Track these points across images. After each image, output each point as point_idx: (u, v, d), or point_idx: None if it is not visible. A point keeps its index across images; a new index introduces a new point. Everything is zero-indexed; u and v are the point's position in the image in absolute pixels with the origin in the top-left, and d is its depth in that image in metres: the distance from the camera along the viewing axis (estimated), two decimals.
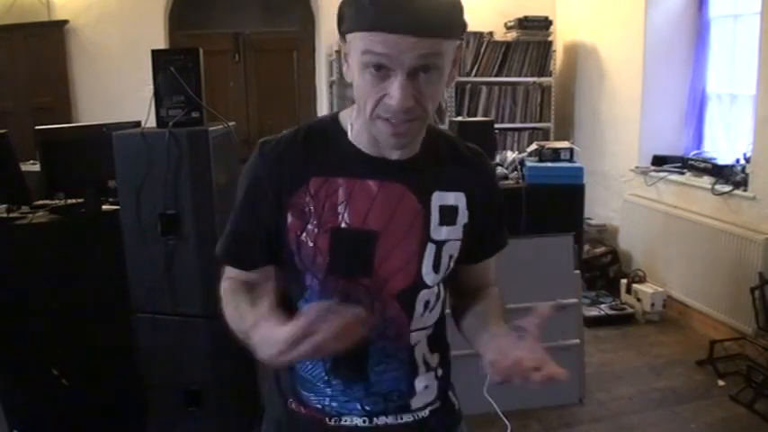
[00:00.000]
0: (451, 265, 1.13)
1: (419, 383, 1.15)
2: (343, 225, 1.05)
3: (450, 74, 1.00)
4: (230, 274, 1.16)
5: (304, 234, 1.06)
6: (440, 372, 1.19)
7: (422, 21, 0.90)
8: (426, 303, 1.12)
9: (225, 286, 1.14)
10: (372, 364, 1.11)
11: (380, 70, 0.93)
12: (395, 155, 1.05)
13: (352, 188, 1.05)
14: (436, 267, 1.09)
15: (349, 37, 0.96)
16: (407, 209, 1.07)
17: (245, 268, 1.14)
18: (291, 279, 1.12)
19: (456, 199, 1.10)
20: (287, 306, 1.15)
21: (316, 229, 1.05)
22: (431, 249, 1.08)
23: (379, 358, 1.10)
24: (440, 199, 1.09)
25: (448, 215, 1.09)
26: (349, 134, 1.07)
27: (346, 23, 0.96)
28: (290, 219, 1.06)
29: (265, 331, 0.90)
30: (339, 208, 1.05)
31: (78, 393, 2.55)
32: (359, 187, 1.05)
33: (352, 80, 0.99)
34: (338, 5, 0.97)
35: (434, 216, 1.08)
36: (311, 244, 1.06)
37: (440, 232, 1.09)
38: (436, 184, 1.08)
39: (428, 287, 1.10)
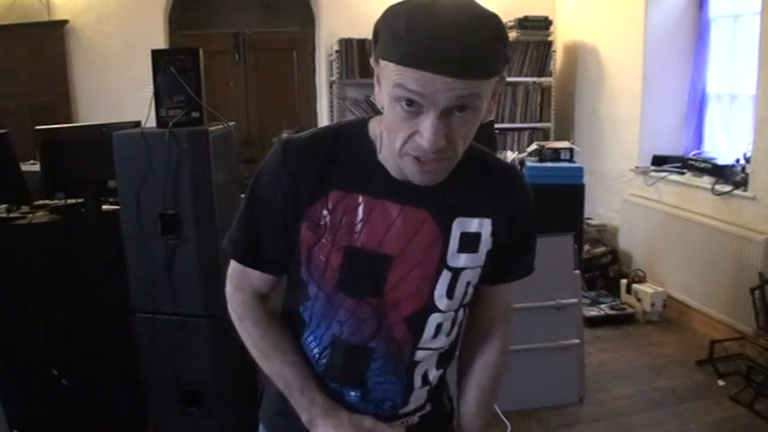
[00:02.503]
0: (470, 291, 1.08)
1: (414, 397, 1.13)
2: (358, 245, 1.01)
3: (488, 108, 0.93)
4: (236, 276, 1.13)
5: (317, 247, 1.03)
6: (435, 383, 1.16)
7: (461, 61, 0.83)
8: (438, 326, 1.08)
9: (238, 300, 1.12)
10: (371, 376, 1.09)
11: (412, 106, 0.87)
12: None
13: (371, 207, 1.01)
14: (450, 294, 1.05)
15: (382, 63, 0.89)
16: (427, 235, 1.02)
17: (261, 270, 1.10)
18: (294, 286, 1.10)
19: (480, 225, 1.05)
20: (284, 310, 1.15)
21: (330, 245, 1.02)
22: (446, 276, 1.04)
23: (378, 372, 1.09)
24: (462, 225, 1.03)
25: (469, 242, 1.04)
26: (378, 152, 1.02)
27: (380, 48, 0.89)
28: (303, 229, 1.03)
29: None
30: (356, 227, 1.01)
31: (78, 393, 2.55)
32: (379, 208, 1.01)
33: (381, 106, 0.93)
34: (375, 22, 0.92)
35: (453, 243, 1.03)
36: (323, 258, 1.03)
37: (458, 260, 1.04)
38: (459, 210, 1.03)
39: (440, 311, 1.06)
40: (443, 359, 1.13)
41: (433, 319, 1.07)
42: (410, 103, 0.87)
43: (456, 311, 1.09)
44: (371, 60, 0.94)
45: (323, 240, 1.02)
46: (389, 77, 0.87)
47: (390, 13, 0.88)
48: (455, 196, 1.01)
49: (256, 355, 1.11)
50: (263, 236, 1.07)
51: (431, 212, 1.01)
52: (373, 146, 1.02)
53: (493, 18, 0.86)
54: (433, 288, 1.04)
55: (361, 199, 1.01)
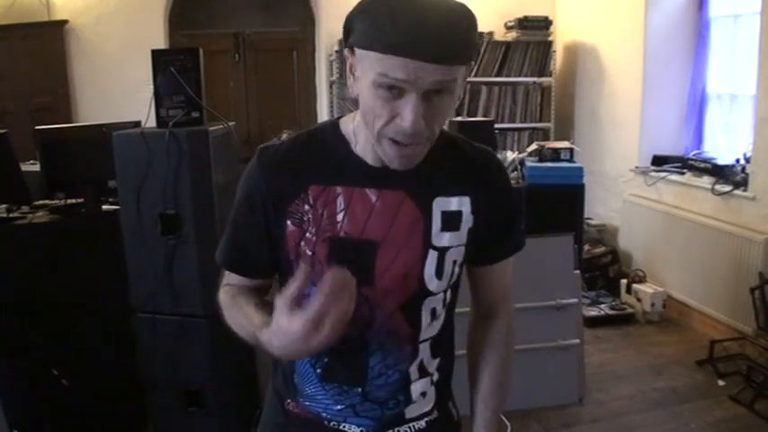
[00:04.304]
0: (456, 270, 1.11)
1: (415, 390, 1.13)
2: (342, 234, 1.04)
3: (457, 93, 0.99)
4: (230, 280, 1.15)
5: (302, 242, 1.05)
6: (436, 376, 1.16)
7: (443, 47, 0.88)
8: (433, 311, 1.10)
9: (224, 292, 1.13)
10: (372, 376, 1.09)
11: (393, 90, 0.91)
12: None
13: (350, 196, 1.04)
14: (439, 274, 1.07)
15: (361, 53, 0.92)
16: (407, 216, 1.04)
17: (248, 276, 1.13)
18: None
19: (459, 203, 1.07)
20: None
21: (314, 238, 1.04)
22: (432, 256, 1.06)
23: (379, 370, 1.09)
24: (442, 205, 1.06)
25: (451, 221, 1.07)
26: (352, 145, 1.06)
27: (358, 38, 0.92)
28: (289, 227, 1.06)
29: (280, 323, 0.87)
30: (338, 216, 1.04)
31: (78, 393, 2.55)
32: (357, 195, 1.04)
33: (357, 95, 0.97)
34: (347, 15, 0.95)
35: (436, 222, 1.06)
36: (310, 252, 1.05)
37: (442, 239, 1.06)
38: (438, 190, 1.06)
39: (432, 294, 1.08)
40: (436, 346, 1.14)
41: (428, 305, 1.09)
42: (392, 88, 0.91)
43: (445, 292, 1.11)
44: (346, 51, 0.97)
45: (308, 234, 1.05)
46: (371, 66, 0.91)
47: (368, 5, 0.91)
48: (430, 177, 1.05)
49: (240, 323, 1.06)
50: (248, 243, 1.11)
51: (407, 192, 1.04)
52: (347, 143, 1.06)
53: (467, 10, 0.93)
54: (422, 270, 1.06)
55: (339, 190, 1.05)
